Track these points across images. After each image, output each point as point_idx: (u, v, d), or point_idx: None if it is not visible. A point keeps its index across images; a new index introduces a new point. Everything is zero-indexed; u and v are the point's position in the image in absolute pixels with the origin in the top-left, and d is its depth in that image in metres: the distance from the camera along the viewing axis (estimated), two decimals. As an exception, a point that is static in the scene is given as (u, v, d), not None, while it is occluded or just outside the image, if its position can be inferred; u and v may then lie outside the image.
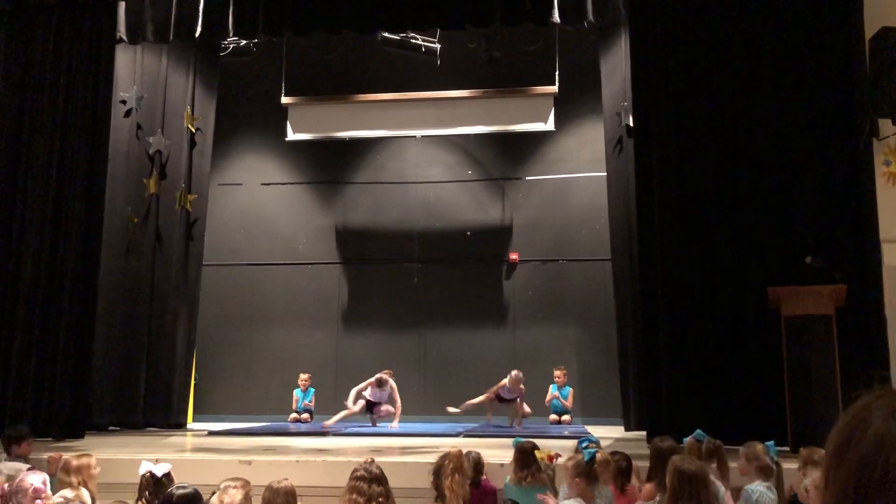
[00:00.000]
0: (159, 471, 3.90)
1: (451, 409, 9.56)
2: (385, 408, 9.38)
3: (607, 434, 8.27)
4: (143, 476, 3.83)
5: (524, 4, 7.89)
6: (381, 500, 3.65)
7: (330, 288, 11.64)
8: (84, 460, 4.39)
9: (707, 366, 6.75)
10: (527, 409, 9.36)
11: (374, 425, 9.28)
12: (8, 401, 7.48)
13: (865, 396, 0.95)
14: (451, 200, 11.58)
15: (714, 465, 4.15)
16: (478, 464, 4.68)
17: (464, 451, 4.49)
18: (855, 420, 0.94)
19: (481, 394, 9.47)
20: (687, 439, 4.39)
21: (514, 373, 9.14)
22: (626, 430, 8.61)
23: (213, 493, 3.63)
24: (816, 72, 7.01)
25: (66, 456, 4.54)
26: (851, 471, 0.91)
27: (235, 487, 3.58)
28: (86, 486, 4.26)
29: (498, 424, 9.27)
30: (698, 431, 4.45)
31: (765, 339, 6.52)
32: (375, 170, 11.84)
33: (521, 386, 9.19)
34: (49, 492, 3.94)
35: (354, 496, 3.64)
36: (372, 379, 9.34)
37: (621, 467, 4.34)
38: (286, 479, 3.73)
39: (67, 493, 4.12)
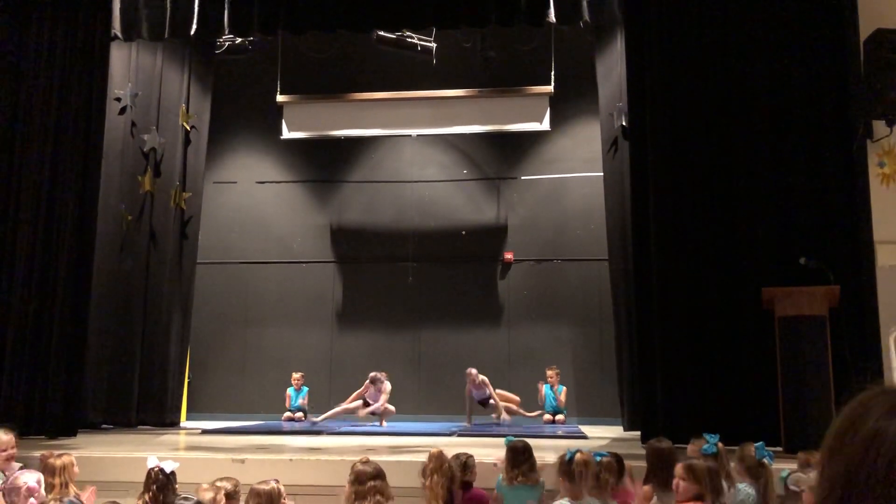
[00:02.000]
0: (166, 468, 3.84)
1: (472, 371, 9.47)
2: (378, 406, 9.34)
3: (605, 434, 8.28)
4: (152, 470, 3.78)
5: (520, 4, 7.88)
6: (378, 497, 3.61)
7: (324, 287, 11.62)
8: (66, 459, 4.32)
9: (701, 366, 6.76)
10: (513, 396, 9.36)
11: (381, 425, 9.25)
12: (0, 398, 7.45)
13: (863, 393, 0.93)
14: (446, 200, 11.57)
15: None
16: (466, 466, 4.50)
17: (453, 453, 4.46)
18: (850, 418, 0.92)
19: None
20: (719, 446, 4.21)
21: (467, 371, 9.23)
22: (625, 430, 8.60)
23: None
24: (811, 73, 7.03)
25: (49, 458, 4.41)
26: (840, 469, 0.89)
27: (206, 489, 3.55)
28: (68, 486, 4.20)
29: (480, 423, 9.29)
30: (708, 435, 4.33)
31: (759, 339, 6.54)
32: (371, 169, 11.82)
33: (482, 381, 9.26)
34: (43, 492, 3.91)
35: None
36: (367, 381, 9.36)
37: (612, 467, 4.28)
38: (273, 480, 3.65)
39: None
